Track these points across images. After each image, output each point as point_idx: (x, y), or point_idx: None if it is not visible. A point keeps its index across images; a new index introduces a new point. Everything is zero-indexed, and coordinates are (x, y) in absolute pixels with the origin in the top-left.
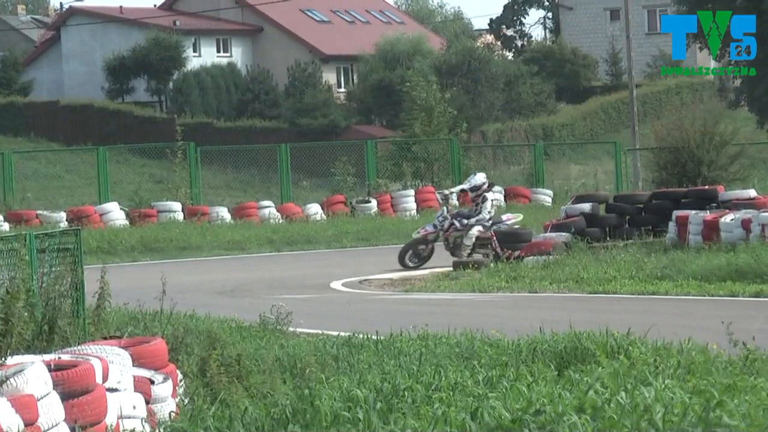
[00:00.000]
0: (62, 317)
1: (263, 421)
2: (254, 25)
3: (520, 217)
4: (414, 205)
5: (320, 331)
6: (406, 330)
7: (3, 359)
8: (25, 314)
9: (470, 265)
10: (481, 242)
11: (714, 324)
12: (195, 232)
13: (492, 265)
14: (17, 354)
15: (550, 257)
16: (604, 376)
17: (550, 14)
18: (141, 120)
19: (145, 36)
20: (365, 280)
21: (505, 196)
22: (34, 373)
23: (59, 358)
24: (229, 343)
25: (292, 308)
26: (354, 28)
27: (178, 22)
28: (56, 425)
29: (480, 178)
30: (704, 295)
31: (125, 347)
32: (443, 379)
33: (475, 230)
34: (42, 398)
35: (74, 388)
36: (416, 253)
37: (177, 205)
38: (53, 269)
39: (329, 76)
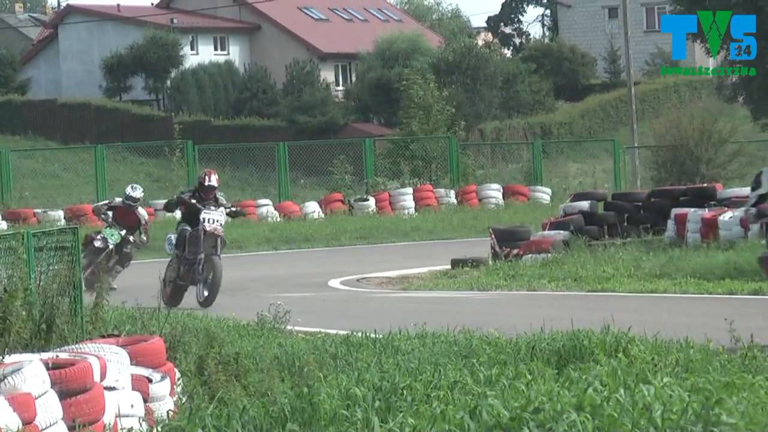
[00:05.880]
0: (60, 316)
1: (261, 420)
2: (252, 23)
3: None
4: (412, 204)
5: (318, 330)
6: (404, 328)
7: (1, 358)
8: (23, 313)
9: (469, 263)
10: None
11: (713, 322)
12: None
13: (491, 263)
14: (15, 352)
15: (549, 255)
16: (603, 374)
17: (548, 12)
18: (138, 118)
19: (143, 34)
20: (363, 278)
21: (503, 194)
22: (31, 372)
23: (57, 356)
24: (227, 341)
25: (290, 306)
26: (352, 27)
27: (175, 20)
28: (54, 424)
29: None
30: (703, 293)
31: (123, 346)
32: (442, 377)
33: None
34: (40, 397)
35: (72, 387)
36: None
37: None
38: (51, 268)
39: (327, 75)
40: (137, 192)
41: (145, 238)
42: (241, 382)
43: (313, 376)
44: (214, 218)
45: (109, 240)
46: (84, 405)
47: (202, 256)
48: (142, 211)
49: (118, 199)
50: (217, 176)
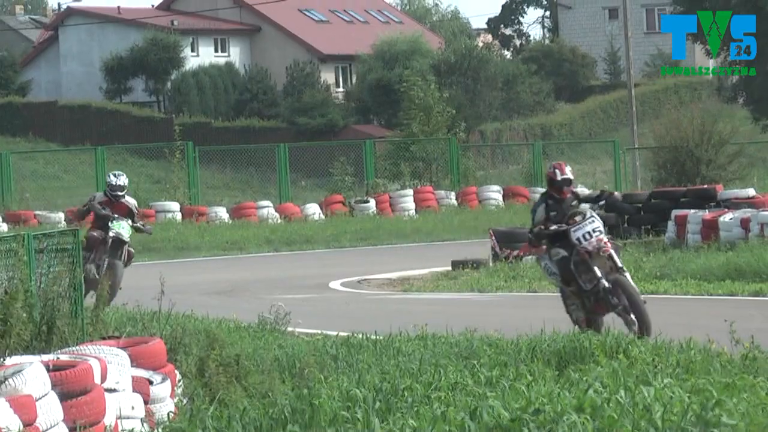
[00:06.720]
0: (61, 318)
1: (262, 421)
2: (252, 24)
3: None
4: (412, 205)
5: (319, 331)
6: (405, 330)
7: (2, 359)
8: (24, 315)
9: (469, 265)
10: None
11: (713, 323)
12: (193, 232)
13: (491, 264)
14: (16, 354)
15: None
16: (604, 375)
17: (548, 13)
18: (139, 120)
19: (143, 36)
20: (364, 279)
21: (503, 196)
22: (32, 374)
23: (58, 358)
24: (228, 343)
25: (291, 308)
26: (352, 28)
27: (175, 22)
28: (55, 425)
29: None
30: (703, 295)
31: (124, 347)
32: (442, 378)
33: None
34: (40, 398)
35: (73, 389)
36: None
37: (175, 206)
38: (52, 270)
39: (327, 76)
40: (122, 179)
41: (148, 226)
42: (242, 383)
43: (314, 377)
44: (588, 231)
45: (122, 234)
46: (84, 407)
47: (605, 282)
48: (130, 199)
49: (99, 194)
50: (569, 167)
